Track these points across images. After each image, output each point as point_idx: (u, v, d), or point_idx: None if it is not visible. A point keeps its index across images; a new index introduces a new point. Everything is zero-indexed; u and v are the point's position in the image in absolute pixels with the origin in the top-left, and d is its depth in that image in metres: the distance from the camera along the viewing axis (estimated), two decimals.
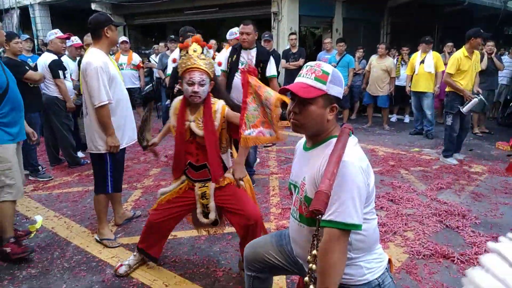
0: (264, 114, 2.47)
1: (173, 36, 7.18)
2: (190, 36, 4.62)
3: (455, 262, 2.89)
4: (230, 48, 4.55)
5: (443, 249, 3.02)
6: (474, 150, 6.14)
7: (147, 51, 10.36)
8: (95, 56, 2.95)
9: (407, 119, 8.57)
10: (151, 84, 8.45)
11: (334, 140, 1.54)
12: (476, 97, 5.07)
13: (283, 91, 1.63)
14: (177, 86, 3.63)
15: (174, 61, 2.54)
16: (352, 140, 1.55)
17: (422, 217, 3.62)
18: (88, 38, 4.15)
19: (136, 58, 7.70)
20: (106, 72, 2.94)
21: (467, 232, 3.33)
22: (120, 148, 3.12)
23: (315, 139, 1.64)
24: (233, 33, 5.41)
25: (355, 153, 1.49)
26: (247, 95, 2.40)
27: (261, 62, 4.24)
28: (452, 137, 5.36)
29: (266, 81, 4.20)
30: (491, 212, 3.78)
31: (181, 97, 2.55)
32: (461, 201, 4.05)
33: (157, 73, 7.94)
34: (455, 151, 5.54)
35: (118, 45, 7.33)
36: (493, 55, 7.13)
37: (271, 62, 4.31)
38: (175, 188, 2.63)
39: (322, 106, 1.54)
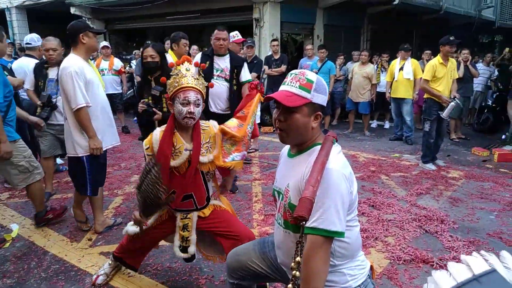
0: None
1: (149, 42, 7.11)
2: (181, 40, 4.69)
3: (434, 266, 2.94)
4: (199, 55, 4.48)
5: (422, 254, 3.08)
6: (451, 156, 6.29)
7: (128, 56, 10.26)
8: (70, 61, 3.04)
9: (387, 125, 8.72)
10: (132, 89, 8.37)
11: (318, 147, 1.55)
12: (453, 101, 5.21)
13: (268, 99, 1.63)
14: (140, 105, 3.40)
15: (196, 64, 2.33)
16: (336, 148, 1.57)
17: (403, 222, 3.68)
18: (46, 42, 3.98)
19: (117, 63, 7.62)
20: (81, 76, 3.01)
21: (445, 237, 3.40)
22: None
23: (300, 147, 1.65)
24: (232, 36, 5.38)
25: (338, 161, 1.51)
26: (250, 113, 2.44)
27: (235, 68, 4.29)
28: (429, 143, 5.48)
29: (241, 87, 4.33)
30: (468, 217, 3.87)
31: (161, 128, 2.33)
32: (439, 206, 4.13)
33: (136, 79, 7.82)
34: (433, 157, 5.66)
35: (99, 50, 7.24)
36: (468, 63, 7.33)
37: (245, 68, 4.40)
38: (152, 223, 2.44)
39: (307, 114, 1.56)
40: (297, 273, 1.37)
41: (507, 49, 9.20)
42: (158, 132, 2.32)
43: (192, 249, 2.41)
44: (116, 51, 12.26)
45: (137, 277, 2.78)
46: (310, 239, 1.43)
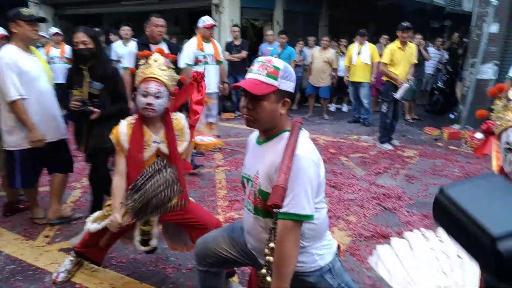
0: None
1: (80, 26, 6.80)
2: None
3: None
4: (134, 43, 4.40)
5: (382, 230, 3.22)
6: (406, 136, 6.57)
7: None
8: (5, 52, 2.94)
9: (345, 108, 8.93)
10: None
11: (286, 134, 1.58)
12: (406, 83, 5.42)
13: (235, 88, 1.63)
14: (73, 103, 2.90)
15: (166, 55, 2.30)
16: (303, 134, 1.60)
17: (363, 201, 3.83)
18: None
19: (69, 51, 7.27)
20: (14, 68, 2.89)
21: (402, 213, 3.58)
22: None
23: (268, 133, 1.66)
24: (202, 20, 5.27)
25: (306, 147, 1.55)
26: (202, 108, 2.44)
27: (175, 55, 4.31)
28: (386, 124, 5.71)
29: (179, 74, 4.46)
30: (422, 193, 4.09)
31: (130, 118, 2.29)
32: (396, 184, 4.32)
33: None
34: (390, 137, 5.88)
35: (49, 37, 6.88)
36: (420, 47, 7.62)
37: (182, 54, 4.68)
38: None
39: (274, 101, 1.56)
40: (271, 258, 1.40)
41: (456, 34, 9.63)
42: (124, 125, 2.26)
43: (154, 242, 2.36)
44: (68, 38, 11.69)
45: (101, 271, 2.71)
46: (281, 223, 1.46)
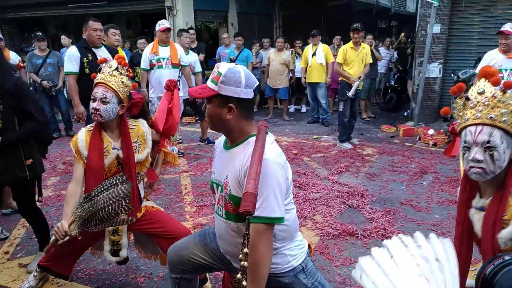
0: None
1: (40, 34, 6.60)
2: (110, 30, 4.70)
3: (359, 238, 3.20)
4: (75, 48, 4.26)
5: (348, 228, 3.33)
6: (364, 134, 6.81)
7: (29, 48, 9.32)
8: None
9: (304, 108, 9.12)
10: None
11: (253, 139, 1.59)
12: (356, 80, 5.62)
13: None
14: None
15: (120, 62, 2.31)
16: (269, 138, 1.63)
17: (328, 200, 3.93)
18: None
19: (15, 58, 6.89)
20: None
21: (366, 210, 3.70)
22: None
23: (234, 139, 1.67)
24: (158, 24, 5.27)
25: (273, 151, 1.58)
26: (178, 120, 2.44)
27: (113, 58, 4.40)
28: (344, 122, 5.88)
29: None
30: (383, 189, 4.26)
31: (87, 128, 2.26)
32: (358, 182, 4.48)
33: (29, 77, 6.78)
34: (349, 136, 6.07)
35: None
36: (372, 47, 7.93)
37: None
38: (78, 233, 2.20)
39: (217, 105, 1.59)
40: (246, 263, 1.42)
41: (402, 34, 10.10)
42: (83, 133, 2.23)
43: (123, 252, 2.32)
44: (11, 43, 11.06)
45: (69, 286, 2.62)
46: (253, 227, 1.47)
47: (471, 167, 1.43)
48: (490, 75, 1.44)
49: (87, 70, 4.14)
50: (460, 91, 1.50)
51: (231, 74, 1.56)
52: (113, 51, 4.46)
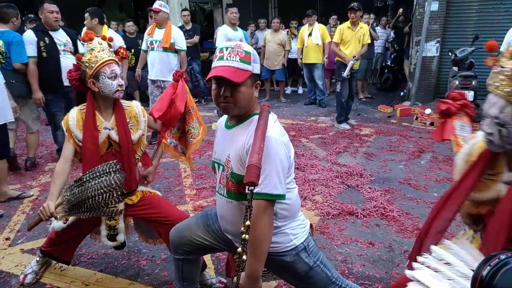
0: (183, 130, 2.49)
1: (32, 16, 6.47)
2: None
3: (359, 217, 3.23)
4: (31, 31, 4.24)
5: (348, 207, 3.35)
6: (361, 115, 6.80)
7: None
8: None
9: (300, 90, 9.07)
10: None
11: (256, 117, 1.59)
12: (350, 60, 5.58)
13: (210, 77, 1.59)
14: None
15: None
16: (272, 117, 1.62)
17: (327, 180, 3.95)
18: None
19: None
20: None
21: (365, 189, 3.73)
22: None
23: (239, 117, 1.66)
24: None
25: (276, 129, 1.57)
26: (189, 103, 2.40)
27: (74, 40, 4.49)
28: (342, 103, 5.86)
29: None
30: (382, 169, 4.28)
31: (80, 107, 2.20)
32: (357, 162, 4.49)
33: None
34: (346, 117, 6.06)
35: None
36: (369, 27, 7.84)
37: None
38: (77, 218, 2.25)
39: (250, 85, 1.58)
40: (247, 236, 1.42)
41: (400, 10, 9.89)
42: (75, 111, 2.18)
43: (121, 237, 2.30)
44: None
45: (71, 270, 2.63)
46: (255, 203, 1.48)
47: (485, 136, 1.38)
48: None
49: (44, 54, 4.15)
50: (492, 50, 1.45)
51: (254, 51, 1.61)
52: (72, 34, 4.50)
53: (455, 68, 6.03)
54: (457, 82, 5.74)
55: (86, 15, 4.74)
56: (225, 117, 1.78)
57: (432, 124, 5.90)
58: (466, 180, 1.48)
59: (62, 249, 2.46)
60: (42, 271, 2.58)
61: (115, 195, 2.00)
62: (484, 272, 0.95)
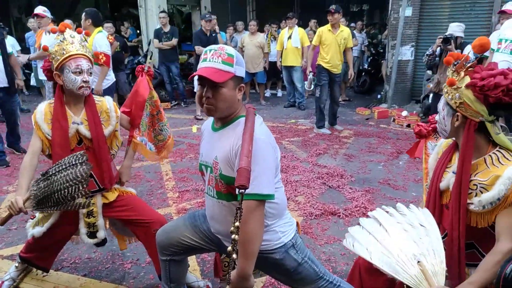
0: (150, 127, 2.48)
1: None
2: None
3: (341, 216, 3.30)
4: None
5: (330, 207, 3.41)
6: (340, 117, 6.90)
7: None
8: None
9: (279, 93, 9.14)
10: None
11: (242, 119, 1.62)
12: (309, 74, 5.75)
13: (193, 76, 1.63)
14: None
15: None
16: (258, 119, 1.66)
17: (308, 181, 4.01)
18: None
19: None
20: None
21: (346, 190, 3.81)
22: None
23: (225, 120, 1.69)
24: None
25: (263, 131, 1.61)
26: (145, 98, 2.35)
27: None
28: (320, 108, 5.86)
29: None
30: (362, 170, 4.38)
31: (49, 101, 2.19)
32: (337, 163, 4.58)
33: None
34: (332, 122, 6.11)
35: None
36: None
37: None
38: (55, 220, 2.21)
39: (232, 87, 1.61)
40: (236, 236, 1.45)
41: (376, 14, 10.12)
42: (43, 105, 2.16)
43: (101, 233, 2.29)
44: None
45: (53, 275, 2.58)
46: (245, 204, 1.51)
47: None
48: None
49: None
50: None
51: (239, 54, 1.63)
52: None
53: (429, 72, 6.21)
54: (431, 85, 5.92)
55: (83, 14, 4.67)
56: (211, 119, 1.80)
57: (408, 125, 6.07)
58: (435, 175, 1.71)
59: (41, 256, 2.39)
60: (21, 277, 2.51)
61: (81, 188, 1.93)
62: (508, 270, 1.09)
